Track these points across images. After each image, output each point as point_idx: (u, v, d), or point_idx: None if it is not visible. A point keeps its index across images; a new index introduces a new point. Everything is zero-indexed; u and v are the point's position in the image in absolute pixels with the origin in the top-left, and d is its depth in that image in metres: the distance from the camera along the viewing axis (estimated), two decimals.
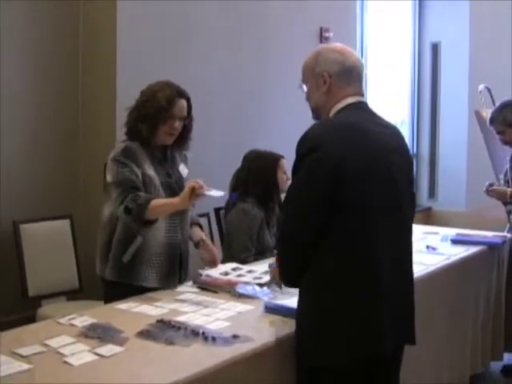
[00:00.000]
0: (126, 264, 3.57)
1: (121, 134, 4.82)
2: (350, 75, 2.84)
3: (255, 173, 4.70)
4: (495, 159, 5.68)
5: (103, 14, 5.13)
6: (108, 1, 5.08)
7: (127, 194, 3.45)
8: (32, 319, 4.32)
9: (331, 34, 6.85)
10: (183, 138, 3.75)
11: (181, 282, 3.69)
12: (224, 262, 4.22)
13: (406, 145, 2.97)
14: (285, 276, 2.88)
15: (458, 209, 8.75)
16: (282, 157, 4.76)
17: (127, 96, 4.91)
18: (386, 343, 2.73)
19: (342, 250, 2.65)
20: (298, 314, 2.79)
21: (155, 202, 3.45)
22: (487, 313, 4.75)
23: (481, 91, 6.58)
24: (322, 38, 6.80)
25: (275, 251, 2.90)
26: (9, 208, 4.74)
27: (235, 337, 2.82)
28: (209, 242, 3.89)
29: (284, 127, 6.27)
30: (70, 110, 5.17)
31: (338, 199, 2.61)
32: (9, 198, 4.76)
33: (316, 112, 2.91)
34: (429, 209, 9.10)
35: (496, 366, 5.00)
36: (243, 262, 4.27)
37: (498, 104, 5.17)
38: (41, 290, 4.73)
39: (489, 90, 6.67)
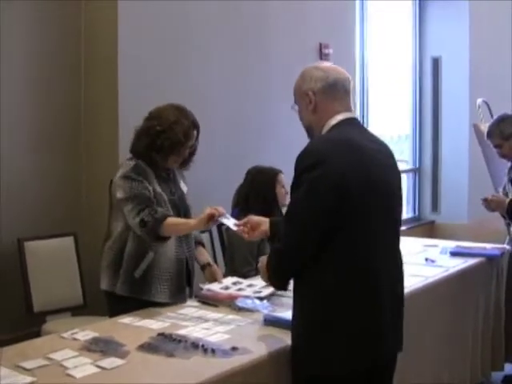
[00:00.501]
0: (137, 279, 3.62)
1: (123, 151, 4.95)
2: (335, 90, 2.88)
3: (255, 188, 4.79)
4: (493, 172, 5.74)
5: (104, 14, 5.18)
6: (109, 1, 5.14)
7: (143, 206, 3.52)
8: (37, 335, 4.39)
9: (331, 51, 6.92)
10: (187, 160, 3.82)
11: (190, 296, 3.75)
12: (226, 275, 4.28)
13: (395, 161, 3.01)
14: (276, 281, 2.97)
15: (461, 221, 8.80)
16: (280, 171, 4.84)
17: (129, 106, 5.05)
18: (385, 353, 2.80)
19: (341, 263, 2.70)
20: (295, 324, 2.85)
21: (172, 220, 3.54)
22: (487, 324, 4.79)
23: (479, 105, 6.65)
24: (322, 55, 6.86)
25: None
26: (13, 225, 4.80)
27: (234, 349, 2.88)
28: (214, 265, 3.98)
29: (285, 141, 6.34)
30: (71, 126, 5.23)
31: (338, 214, 2.66)
32: (13, 215, 4.82)
33: (309, 131, 2.96)
34: (432, 222, 9.16)
35: (497, 376, 5.03)
36: (245, 276, 4.34)
37: (495, 118, 5.22)
38: (45, 306, 4.79)
39: (487, 103, 6.74)
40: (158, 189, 3.66)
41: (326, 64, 3.01)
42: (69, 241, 4.97)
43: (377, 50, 8.51)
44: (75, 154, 5.24)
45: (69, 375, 2.62)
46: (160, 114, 3.71)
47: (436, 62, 9.17)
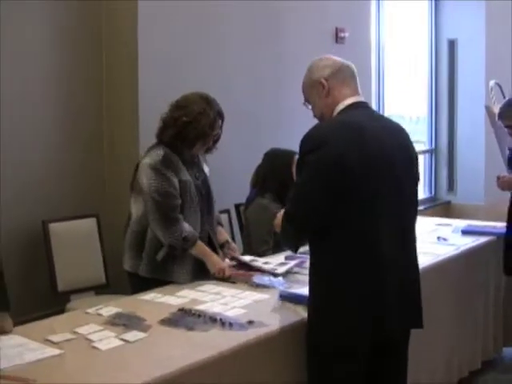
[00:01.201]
0: (159, 262, 3.76)
1: (143, 134, 5.09)
2: (344, 74, 3.05)
3: (272, 169, 4.93)
4: (505, 153, 5.81)
5: (125, 11, 5.31)
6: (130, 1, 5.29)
7: (170, 221, 3.69)
8: (62, 313, 4.55)
9: (347, 34, 7.00)
10: (211, 146, 3.96)
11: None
12: (244, 254, 4.43)
13: (408, 142, 3.12)
14: (286, 242, 3.24)
15: (477, 202, 8.88)
16: (296, 153, 4.96)
17: (149, 96, 5.19)
18: (392, 325, 2.92)
19: (348, 238, 2.85)
20: (311, 298, 2.99)
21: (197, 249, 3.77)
22: (498, 300, 4.90)
23: (491, 87, 6.71)
24: (338, 38, 6.96)
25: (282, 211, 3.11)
26: (37, 208, 4.97)
27: (250, 322, 3.04)
28: (232, 243, 4.14)
29: (301, 126, 6.43)
30: (94, 111, 5.37)
31: (342, 191, 2.80)
32: (38, 198, 4.98)
33: (322, 120, 3.10)
34: (448, 202, 9.24)
35: (509, 351, 5.14)
36: (262, 255, 4.47)
37: (506, 99, 5.31)
38: (70, 286, 4.95)
39: (499, 85, 6.80)
40: (185, 176, 3.80)
41: (328, 56, 3.16)
42: (91, 222, 5.12)
43: (393, 32, 8.57)
44: (97, 138, 5.38)
45: (94, 348, 2.77)
46: (187, 104, 3.82)
47: (452, 45, 9.20)
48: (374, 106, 7.56)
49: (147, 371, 2.52)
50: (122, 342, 2.83)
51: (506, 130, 5.03)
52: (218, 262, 3.81)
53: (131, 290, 3.88)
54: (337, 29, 6.98)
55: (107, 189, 5.38)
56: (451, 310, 4.35)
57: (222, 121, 3.89)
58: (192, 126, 3.75)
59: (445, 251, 4.45)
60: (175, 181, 3.74)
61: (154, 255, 3.77)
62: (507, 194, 5.20)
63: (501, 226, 5.07)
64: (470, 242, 4.73)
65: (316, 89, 3.07)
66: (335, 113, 3.02)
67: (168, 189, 3.70)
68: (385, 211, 2.89)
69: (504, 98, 6.38)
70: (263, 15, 6.25)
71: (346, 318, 2.86)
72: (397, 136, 3.06)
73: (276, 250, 4.71)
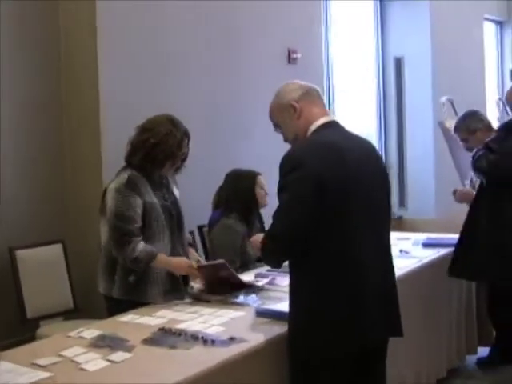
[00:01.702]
0: (132, 283, 3.82)
1: (106, 158, 5.14)
2: (312, 95, 3.18)
3: (235, 190, 5.02)
4: (459, 167, 6.01)
5: (83, 27, 5.40)
6: (87, 12, 5.34)
7: (126, 241, 3.75)
8: (32, 340, 4.55)
9: (299, 55, 7.15)
10: (179, 166, 4.04)
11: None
12: None
13: (378, 157, 3.29)
14: (269, 262, 3.31)
15: (428, 217, 9.07)
16: (259, 174, 5.07)
17: (111, 116, 5.23)
18: (373, 338, 3.04)
19: (330, 253, 2.95)
20: (292, 312, 3.09)
21: (157, 262, 3.79)
22: (460, 310, 5.06)
23: (443, 103, 6.93)
24: (291, 59, 7.10)
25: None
26: (4, 235, 4.97)
27: (232, 339, 3.10)
28: (204, 262, 4.19)
29: (258, 142, 6.56)
30: (55, 137, 5.40)
31: (322, 210, 2.91)
32: (4, 226, 4.99)
33: (295, 142, 3.18)
34: (400, 218, 9.41)
35: (471, 359, 5.29)
36: None
37: (462, 113, 5.50)
38: (38, 312, 4.96)
39: (451, 101, 7.02)
40: (151, 199, 3.86)
41: (293, 81, 3.28)
42: (57, 248, 5.15)
43: (341, 51, 8.75)
44: (60, 165, 5.40)
45: (82, 369, 2.81)
46: (153, 126, 3.90)
47: (399, 62, 9.43)
48: None
49: None
50: (108, 363, 2.87)
51: (461, 143, 5.21)
52: (180, 263, 3.84)
53: (107, 313, 3.92)
54: (289, 50, 7.12)
55: (71, 214, 5.40)
56: (418, 321, 4.46)
57: (189, 140, 3.98)
58: (160, 148, 3.83)
59: (408, 264, 4.57)
60: (139, 203, 3.80)
61: (127, 277, 3.82)
62: (456, 208, 5.38)
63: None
64: (432, 254, 4.87)
65: (287, 112, 3.16)
66: (308, 133, 3.12)
67: (127, 212, 3.77)
68: (362, 226, 3.01)
69: (456, 113, 6.60)
70: (220, 38, 6.35)
71: (329, 333, 2.96)
72: (369, 152, 3.20)
73: (244, 268, 4.80)
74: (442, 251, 4.96)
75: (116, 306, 3.83)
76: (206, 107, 6.21)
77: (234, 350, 3.00)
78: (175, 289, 3.89)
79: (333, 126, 3.16)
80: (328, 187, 2.91)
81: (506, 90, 11.90)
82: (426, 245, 5.13)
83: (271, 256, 3.15)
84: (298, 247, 2.98)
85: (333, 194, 2.92)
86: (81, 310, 5.14)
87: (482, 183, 4.63)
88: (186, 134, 3.95)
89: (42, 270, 5.04)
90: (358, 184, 3.01)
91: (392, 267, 3.21)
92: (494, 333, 5.30)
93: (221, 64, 6.36)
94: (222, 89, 6.39)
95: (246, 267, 4.85)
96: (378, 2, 9.46)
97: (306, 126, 3.13)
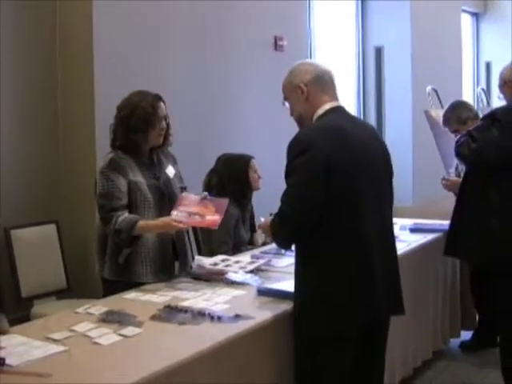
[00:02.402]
0: (122, 264, 3.88)
1: (100, 139, 5.19)
2: (323, 81, 3.26)
3: (229, 174, 5.09)
4: (444, 155, 6.11)
5: (79, 14, 5.44)
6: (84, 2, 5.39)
7: (110, 216, 3.80)
8: (27, 319, 4.62)
9: (285, 43, 7.23)
10: (165, 135, 4.07)
11: (180, 271, 4.02)
12: (203, 255, 4.60)
13: (382, 142, 3.40)
14: (280, 241, 3.34)
15: (406, 204, 9.20)
16: (252, 157, 5.15)
17: (105, 99, 5.27)
18: (381, 311, 3.17)
19: (337, 234, 3.07)
20: (298, 291, 3.20)
21: (140, 228, 3.79)
22: (445, 294, 5.19)
23: (429, 92, 7.04)
24: (277, 46, 7.18)
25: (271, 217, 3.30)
26: None
27: (237, 316, 3.20)
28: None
29: (247, 127, 6.65)
30: (49, 118, 5.46)
31: (330, 190, 3.02)
32: None
33: (300, 122, 3.31)
34: None
35: (455, 342, 5.45)
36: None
37: (448, 105, 5.57)
38: (32, 291, 5.02)
39: (436, 91, 7.14)
40: (138, 178, 3.90)
41: (311, 60, 3.37)
42: (51, 228, 5.21)
43: (323, 40, 8.83)
44: (54, 147, 5.45)
45: (96, 343, 2.88)
46: (124, 102, 3.99)
47: (379, 52, 9.54)
48: None
49: (156, 362, 2.66)
50: (120, 337, 2.94)
51: (449, 134, 5.30)
52: (163, 222, 3.80)
53: (103, 293, 4.00)
54: (276, 37, 7.20)
55: (65, 195, 5.45)
56: (407, 304, 4.55)
57: (164, 103, 4.02)
58: (136, 115, 3.88)
59: (399, 247, 4.67)
60: (123, 182, 3.86)
61: (116, 258, 3.89)
62: (434, 196, 5.48)
63: (446, 223, 5.36)
64: (420, 238, 5.00)
65: (295, 92, 3.26)
66: (315, 117, 3.22)
67: (110, 191, 3.83)
68: (369, 206, 3.13)
69: (441, 102, 6.71)
70: (208, 24, 6.42)
71: (336, 313, 3.08)
72: (373, 137, 3.31)
73: (235, 251, 4.89)
74: (430, 236, 5.10)
75: (109, 287, 3.92)
76: (195, 94, 6.27)
77: (241, 326, 3.09)
78: (166, 267, 3.95)
79: (339, 111, 3.26)
80: (336, 169, 3.02)
81: (481, 81, 12.27)
82: (414, 230, 5.25)
83: (282, 238, 3.25)
84: (307, 228, 3.08)
85: (340, 175, 3.03)
86: (74, 289, 5.21)
87: (466, 171, 4.74)
88: (157, 96, 3.99)
89: (36, 250, 5.10)
90: (363, 167, 3.12)
91: (394, 248, 3.35)
92: (477, 317, 5.43)
93: (209, 51, 6.43)
94: (211, 75, 6.46)
95: (238, 249, 4.95)
96: None
97: (312, 110, 3.23)
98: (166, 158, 4.15)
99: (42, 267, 5.10)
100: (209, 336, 2.95)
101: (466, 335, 5.50)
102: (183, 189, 4.23)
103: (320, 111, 3.22)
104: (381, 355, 3.35)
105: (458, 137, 4.64)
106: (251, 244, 5.20)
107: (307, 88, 3.22)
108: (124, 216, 3.80)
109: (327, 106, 3.22)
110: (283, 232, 3.19)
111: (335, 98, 3.28)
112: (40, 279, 5.07)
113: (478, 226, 4.47)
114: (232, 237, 4.96)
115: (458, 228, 4.63)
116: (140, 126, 3.90)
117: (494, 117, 4.40)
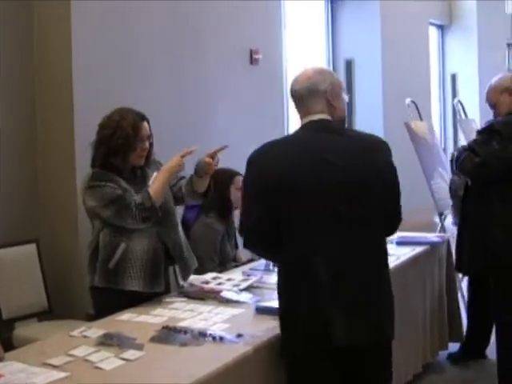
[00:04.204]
0: (112, 270, 3.79)
1: (79, 157, 5.08)
2: (305, 95, 3.14)
3: (213, 189, 5.01)
4: (425, 168, 6.12)
5: (57, 27, 5.29)
6: (62, 12, 5.25)
7: (126, 204, 3.73)
8: (9, 341, 4.51)
9: (260, 56, 7.18)
10: (148, 155, 3.99)
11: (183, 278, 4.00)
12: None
13: (369, 155, 3.09)
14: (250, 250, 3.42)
15: None
16: (238, 174, 5.05)
17: (84, 114, 5.15)
18: (339, 335, 2.97)
19: (288, 251, 3.04)
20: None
21: (152, 192, 3.76)
22: (433, 306, 5.15)
23: (408, 105, 7.04)
24: (252, 59, 7.12)
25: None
26: None
27: (239, 336, 3.12)
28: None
29: (221, 138, 6.55)
30: (26, 134, 5.27)
31: (272, 204, 3.00)
32: None
33: None
34: None
35: (443, 354, 5.40)
36: (209, 272, 4.54)
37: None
38: (14, 313, 4.86)
39: (415, 103, 7.14)
40: (125, 185, 3.83)
41: (306, 69, 3.28)
42: (32, 248, 5.05)
43: (294, 53, 8.79)
44: (32, 165, 5.31)
45: (98, 368, 2.79)
46: (106, 120, 3.90)
47: (349, 64, 9.54)
48: (284, 124, 7.74)
49: None
50: (123, 362, 2.86)
51: (433, 146, 5.30)
52: (171, 161, 3.84)
53: (92, 305, 3.98)
54: (251, 50, 7.14)
55: (45, 214, 5.30)
56: (398, 318, 4.53)
57: (148, 122, 3.95)
58: (116, 135, 3.81)
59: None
60: (115, 186, 3.78)
61: (107, 264, 3.80)
62: (411, 207, 5.45)
63: (431, 235, 5.36)
64: (409, 251, 4.95)
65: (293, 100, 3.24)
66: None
67: (111, 192, 3.76)
68: (323, 224, 3.00)
69: (419, 114, 6.72)
70: (184, 38, 6.33)
71: (297, 331, 3.03)
72: (352, 151, 3.07)
73: (221, 267, 4.81)
74: (418, 248, 5.05)
75: (98, 296, 3.88)
76: (171, 107, 6.16)
77: (245, 345, 3.02)
78: (156, 276, 3.87)
79: (315, 124, 3.11)
80: (281, 186, 2.98)
81: (446, 93, 12.35)
82: (400, 243, 5.21)
83: (249, 247, 3.23)
84: (262, 241, 3.11)
85: (286, 192, 2.98)
86: (55, 311, 5.07)
87: (467, 183, 4.74)
88: (139, 115, 3.91)
89: (17, 271, 4.93)
90: (317, 182, 3.00)
91: (375, 268, 3.15)
92: (465, 329, 5.40)
93: (186, 65, 6.34)
94: (187, 90, 6.37)
95: (224, 265, 4.87)
96: (329, 4, 9.56)
97: (301, 119, 3.18)
98: (150, 167, 4.04)
99: (22, 288, 4.94)
100: (214, 357, 2.88)
101: (453, 347, 5.45)
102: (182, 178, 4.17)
103: (302, 122, 3.17)
104: (379, 370, 3.24)
105: (457, 152, 4.63)
106: (235, 261, 5.12)
107: (294, 99, 3.22)
108: (134, 196, 3.77)
109: (308, 118, 3.13)
110: (246, 245, 3.18)
111: (318, 112, 3.12)
112: (21, 300, 4.90)
113: (480, 238, 4.51)
114: (218, 253, 4.89)
115: (462, 244, 4.68)
116: (120, 148, 3.82)
117: (492, 130, 4.44)
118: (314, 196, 2.99)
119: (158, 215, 3.78)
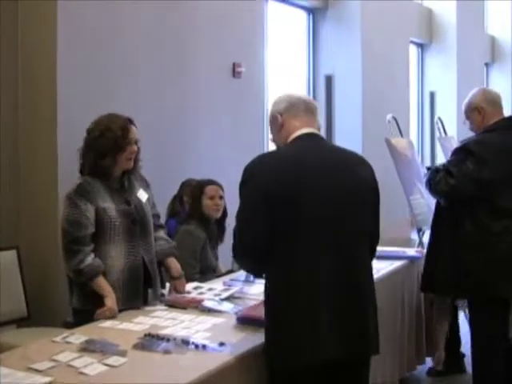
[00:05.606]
0: (89, 292, 3.77)
1: (62, 165, 5.09)
2: (296, 108, 3.21)
3: (189, 198, 5.12)
4: (405, 183, 6.18)
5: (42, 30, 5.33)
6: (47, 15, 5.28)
7: (74, 250, 3.74)
8: None
9: (243, 69, 7.23)
10: (136, 159, 4.02)
11: (149, 299, 3.98)
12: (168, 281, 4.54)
13: (362, 173, 3.20)
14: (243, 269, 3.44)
15: None
16: (211, 183, 5.10)
17: (68, 120, 5.16)
18: (331, 349, 3.01)
19: (282, 266, 3.04)
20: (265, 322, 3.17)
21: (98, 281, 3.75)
22: (410, 321, 5.20)
23: (389, 121, 7.10)
24: (235, 73, 7.17)
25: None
26: None
27: (222, 344, 3.14)
28: (183, 279, 4.16)
29: (203, 153, 6.60)
30: (10, 142, 5.30)
31: (272, 220, 3.00)
32: None
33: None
34: None
35: (422, 368, 5.48)
36: (190, 279, 4.55)
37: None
38: None
39: (395, 119, 7.21)
40: (106, 204, 3.84)
41: (286, 92, 3.35)
42: (12, 254, 5.06)
43: (274, 68, 8.84)
44: (13, 169, 5.30)
45: (82, 373, 2.80)
46: (94, 124, 3.94)
47: (329, 80, 9.61)
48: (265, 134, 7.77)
49: None
50: (106, 367, 2.86)
51: (413, 163, 5.33)
52: (109, 306, 3.71)
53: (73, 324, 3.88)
54: (234, 64, 7.19)
55: (25, 220, 5.30)
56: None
57: (135, 126, 3.99)
58: (105, 138, 3.84)
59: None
60: (90, 209, 3.79)
61: (85, 287, 3.78)
62: (388, 222, 5.50)
63: (410, 250, 5.41)
64: (387, 265, 5.00)
65: (273, 123, 3.27)
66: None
67: (78, 218, 3.77)
68: (317, 239, 3.04)
69: (400, 131, 6.78)
70: (168, 50, 6.37)
71: (288, 344, 3.02)
72: (342, 165, 3.17)
73: (203, 276, 4.84)
74: (396, 263, 5.11)
75: (77, 317, 3.85)
76: (154, 118, 6.18)
77: (228, 354, 3.04)
78: (137, 294, 3.89)
79: (306, 138, 3.18)
80: (275, 199, 3.00)
81: (425, 111, 12.47)
82: (380, 257, 5.23)
83: (241, 266, 3.27)
84: (256, 256, 3.10)
85: (281, 204, 3.00)
86: (34, 318, 5.07)
87: (438, 203, 4.76)
88: (128, 120, 3.96)
89: None
90: (311, 195, 3.04)
91: (362, 282, 3.16)
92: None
93: (168, 78, 6.37)
94: (170, 102, 6.40)
95: (205, 273, 4.90)
96: (311, 20, 9.65)
97: (285, 139, 3.22)
98: (138, 181, 4.09)
99: (1, 294, 4.93)
100: (197, 365, 2.90)
101: (430, 362, 5.50)
102: (156, 216, 4.18)
103: (290, 138, 3.20)
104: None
105: (429, 173, 4.65)
106: (215, 272, 5.14)
107: (282, 117, 3.22)
108: (92, 258, 3.75)
109: (297, 133, 3.18)
110: (238, 261, 3.22)
111: (307, 125, 3.20)
112: (1, 307, 4.91)
113: (454, 260, 4.53)
114: (198, 260, 4.92)
115: (434, 264, 4.69)
116: (109, 150, 3.85)
117: (466, 149, 4.46)
118: (311, 209, 3.03)
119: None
